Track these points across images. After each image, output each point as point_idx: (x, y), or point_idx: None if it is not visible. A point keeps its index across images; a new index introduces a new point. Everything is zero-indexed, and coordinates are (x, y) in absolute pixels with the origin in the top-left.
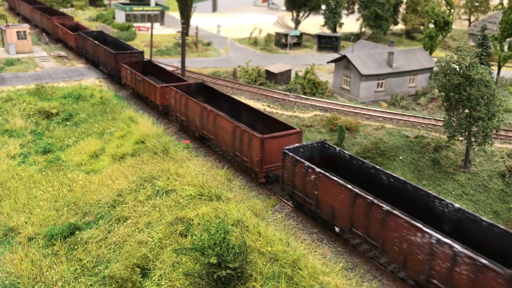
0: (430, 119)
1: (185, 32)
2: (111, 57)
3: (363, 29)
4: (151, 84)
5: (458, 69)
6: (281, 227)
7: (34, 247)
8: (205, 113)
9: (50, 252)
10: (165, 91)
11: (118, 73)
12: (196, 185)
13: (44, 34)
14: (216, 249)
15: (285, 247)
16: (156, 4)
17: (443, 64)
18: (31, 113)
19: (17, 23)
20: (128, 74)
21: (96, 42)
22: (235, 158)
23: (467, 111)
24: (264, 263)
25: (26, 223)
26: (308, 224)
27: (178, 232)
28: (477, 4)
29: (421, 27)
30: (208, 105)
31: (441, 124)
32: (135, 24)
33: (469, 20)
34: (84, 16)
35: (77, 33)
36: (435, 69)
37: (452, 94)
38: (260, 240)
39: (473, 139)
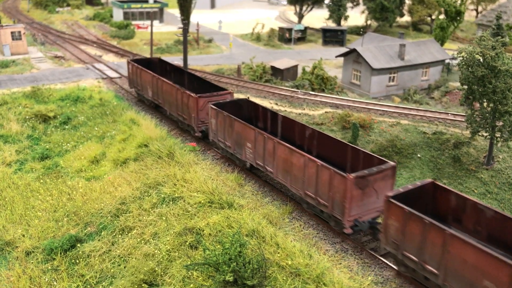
0: (448, 113)
1: (186, 28)
2: None
3: (368, 22)
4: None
5: (482, 60)
6: (301, 237)
7: (32, 263)
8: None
9: (49, 268)
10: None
11: None
12: (205, 191)
13: (40, 34)
14: (231, 265)
15: (307, 260)
16: (155, 1)
17: (466, 55)
18: (27, 117)
19: (12, 23)
20: None
21: None
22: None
23: (492, 105)
24: (285, 278)
25: (23, 236)
26: (330, 233)
27: (187, 243)
28: None
29: (428, 19)
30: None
31: (459, 119)
32: (133, 22)
33: (476, 10)
34: (81, 15)
35: None
36: (453, 61)
37: (475, 87)
38: (278, 252)
39: (498, 135)
